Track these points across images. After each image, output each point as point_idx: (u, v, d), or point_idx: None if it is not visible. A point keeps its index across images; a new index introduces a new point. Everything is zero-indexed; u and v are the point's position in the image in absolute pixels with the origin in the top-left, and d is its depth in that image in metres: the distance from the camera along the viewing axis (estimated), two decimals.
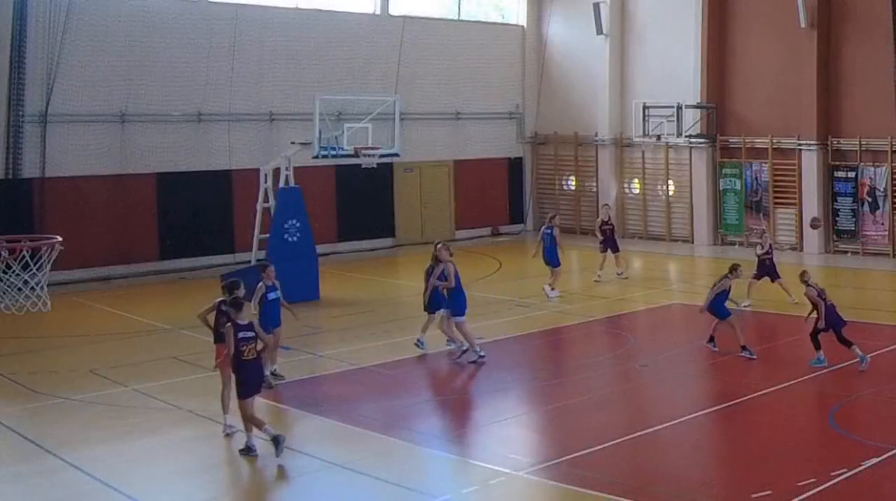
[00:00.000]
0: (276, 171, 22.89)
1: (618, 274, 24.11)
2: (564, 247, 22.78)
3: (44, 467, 11.79)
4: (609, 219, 24.60)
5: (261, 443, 11.93)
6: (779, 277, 20.74)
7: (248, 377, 11.89)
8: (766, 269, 20.78)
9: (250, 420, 11.89)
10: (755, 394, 14.21)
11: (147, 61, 25.68)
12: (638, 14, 31.71)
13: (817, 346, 15.87)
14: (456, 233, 32.36)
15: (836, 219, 27.75)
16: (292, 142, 23.11)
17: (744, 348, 16.41)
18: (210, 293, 22.59)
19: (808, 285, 15.97)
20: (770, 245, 21.09)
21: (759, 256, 20.93)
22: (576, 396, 14.74)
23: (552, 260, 22.01)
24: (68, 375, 15.77)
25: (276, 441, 11.69)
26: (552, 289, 21.90)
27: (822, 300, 15.73)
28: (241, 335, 11.84)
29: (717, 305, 16.80)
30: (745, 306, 19.87)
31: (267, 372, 14.04)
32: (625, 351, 17.63)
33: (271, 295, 14.91)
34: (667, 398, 14.81)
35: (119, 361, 16.58)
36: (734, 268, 16.95)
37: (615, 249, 24.25)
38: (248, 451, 11.92)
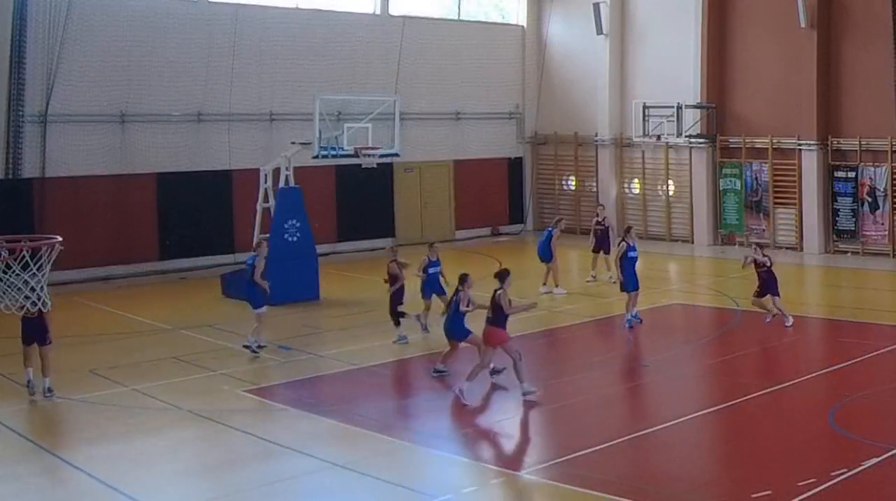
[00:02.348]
0: (276, 171, 22.88)
1: (609, 278, 23.09)
2: (562, 247, 22.93)
3: (44, 467, 11.80)
4: (604, 219, 24.35)
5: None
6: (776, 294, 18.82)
7: (25, 330, 14.62)
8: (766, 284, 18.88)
9: (26, 359, 14.55)
10: (755, 394, 14.21)
11: (147, 61, 25.67)
12: (638, 14, 31.70)
13: (397, 323, 17.58)
14: (456, 233, 32.36)
15: (836, 219, 27.75)
16: (292, 142, 23.09)
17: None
18: (211, 293, 22.76)
19: (393, 261, 17.70)
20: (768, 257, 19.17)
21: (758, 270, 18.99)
22: (576, 396, 14.74)
23: (545, 255, 22.43)
24: (68, 375, 15.73)
25: (30, 384, 14.30)
26: (556, 287, 22.26)
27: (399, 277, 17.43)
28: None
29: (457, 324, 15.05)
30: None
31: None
32: (625, 351, 17.63)
33: (431, 270, 18.17)
34: (667, 398, 14.82)
35: (119, 361, 16.58)
36: (462, 279, 15.16)
37: (607, 251, 23.61)
38: (27, 385, 14.42)
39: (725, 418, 13.50)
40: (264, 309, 17.17)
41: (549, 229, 22.91)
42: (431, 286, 18.42)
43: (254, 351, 16.86)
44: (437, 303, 18.28)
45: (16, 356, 17.14)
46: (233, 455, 12.27)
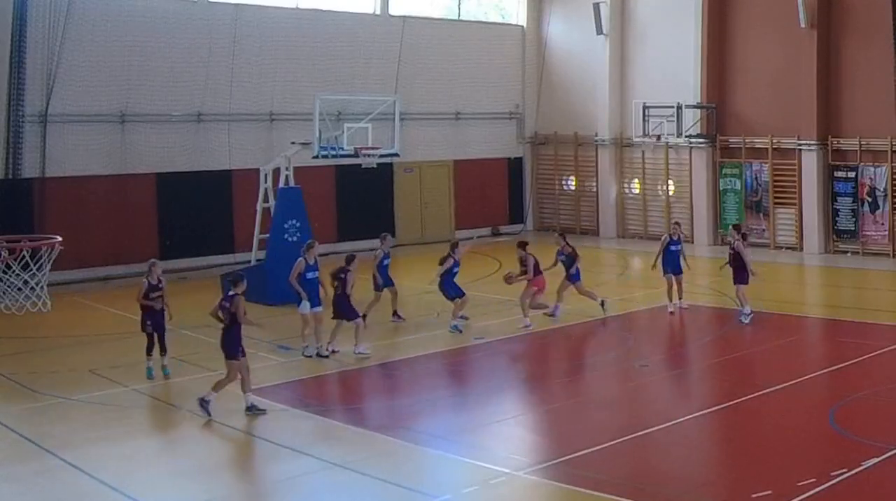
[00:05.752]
0: (276, 171, 22.88)
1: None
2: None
3: (44, 467, 11.78)
4: (734, 242, 19.20)
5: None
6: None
7: None
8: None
9: None
10: (755, 394, 14.20)
11: (147, 61, 25.66)
12: (638, 14, 31.71)
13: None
14: (456, 232, 32.32)
15: (836, 219, 27.75)
16: (292, 142, 23.09)
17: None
18: (211, 293, 22.62)
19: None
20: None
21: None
22: (576, 396, 14.74)
23: (676, 268, 20.35)
24: (68, 375, 15.76)
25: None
26: (680, 299, 20.22)
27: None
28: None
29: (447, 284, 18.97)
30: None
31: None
32: (625, 351, 17.63)
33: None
34: (667, 398, 14.82)
35: (119, 361, 16.56)
36: (454, 246, 18.46)
37: (743, 280, 18.96)
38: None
39: (725, 418, 13.49)
40: (316, 309, 16.85)
41: (676, 239, 20.30)
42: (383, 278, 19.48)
43: (322, 355, 16.73)
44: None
45: (16, 356, 17.21)
46: (233, 455, 12.26)
